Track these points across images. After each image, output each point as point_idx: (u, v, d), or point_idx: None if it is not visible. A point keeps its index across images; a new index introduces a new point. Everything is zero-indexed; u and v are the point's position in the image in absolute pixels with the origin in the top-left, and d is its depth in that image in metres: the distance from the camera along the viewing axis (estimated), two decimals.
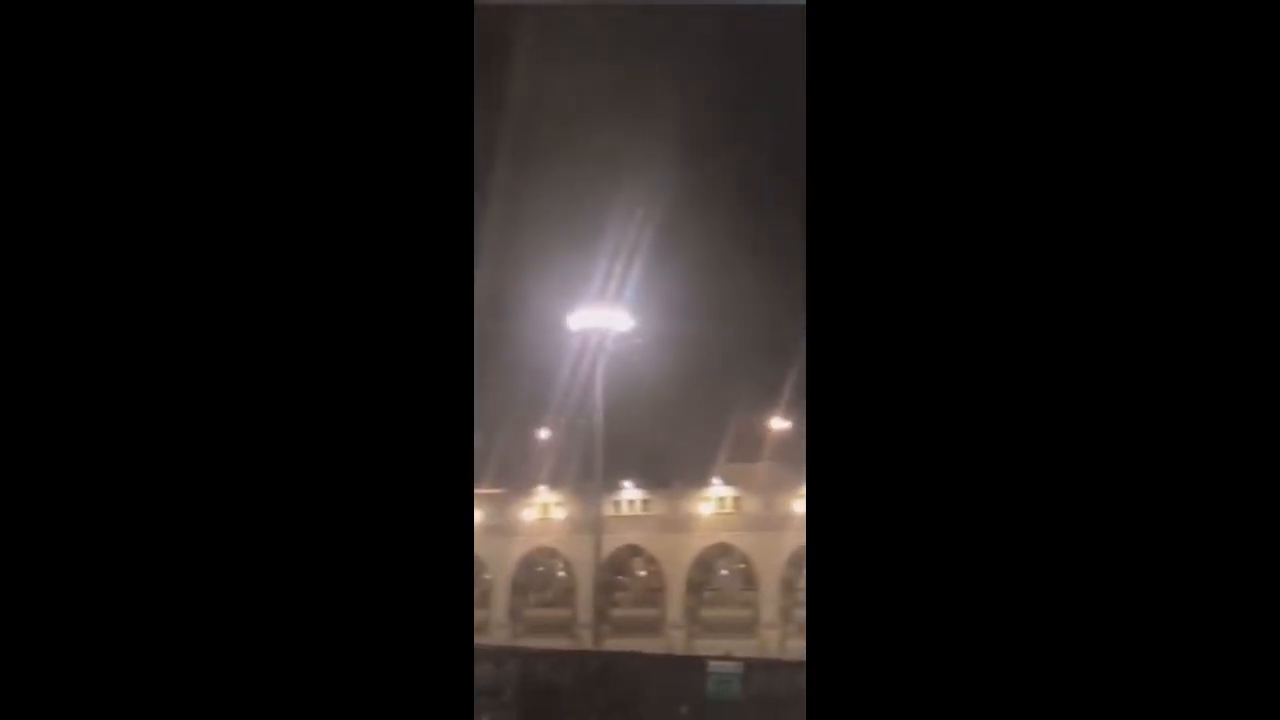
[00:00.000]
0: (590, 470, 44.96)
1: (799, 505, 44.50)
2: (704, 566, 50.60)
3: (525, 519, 48.63)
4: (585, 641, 45.01)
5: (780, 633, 46.40)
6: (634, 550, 46.71)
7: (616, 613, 46.24)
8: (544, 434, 49.74)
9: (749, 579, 49.54)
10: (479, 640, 44.09)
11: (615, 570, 47.33)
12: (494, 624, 47.40)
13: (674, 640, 47.56)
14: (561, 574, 48.89)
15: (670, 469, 52.23)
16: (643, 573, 50.01)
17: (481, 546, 48.68)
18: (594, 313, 42.35)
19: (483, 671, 42.36)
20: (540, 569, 49.49)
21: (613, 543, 46.60)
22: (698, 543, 50.27)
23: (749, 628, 47.86)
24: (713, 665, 27.48)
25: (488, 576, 49.17)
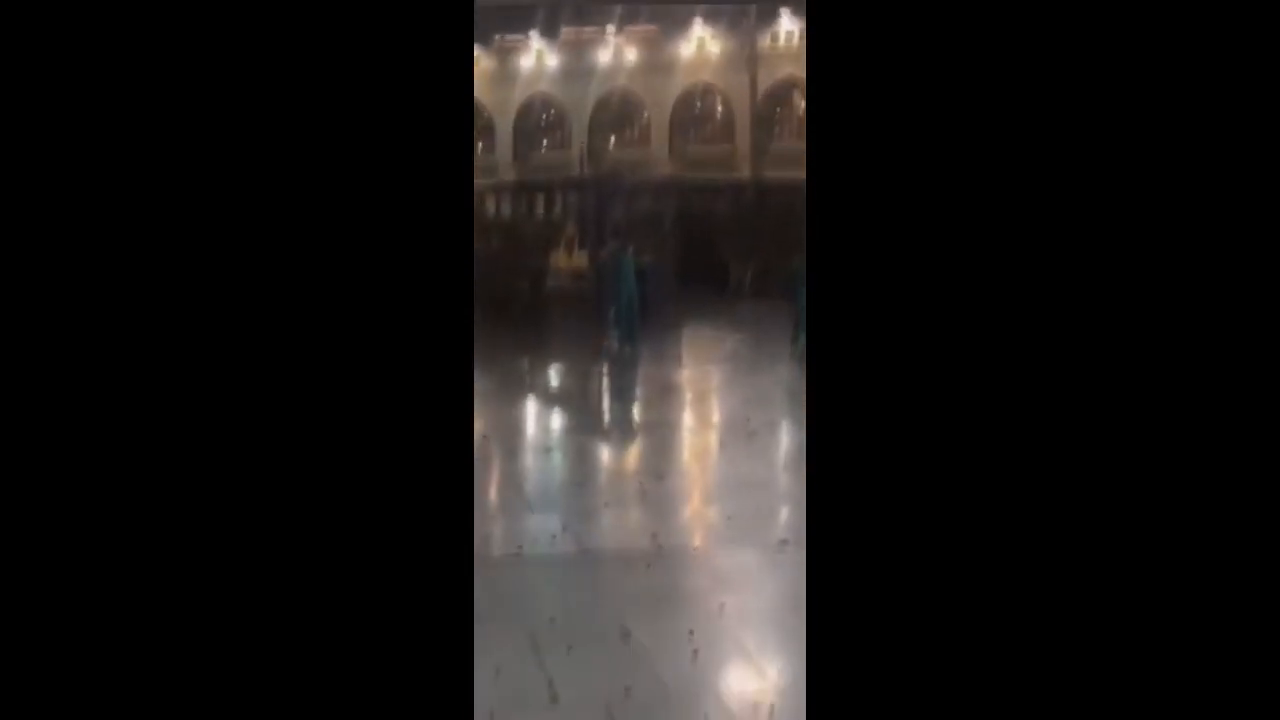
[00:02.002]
0: None
1: None
2: None
3: (681, 54, 48.10)
4: (744, 174, 45.69)
5: None
6: (792, 82, 45.94)
7: (775, 146, 46.32)
8: None
9: None
10: (640, 176, 45.18)
11: (773, 103, 46.96)
12: (654, 160, 48.21)
13: None
14: (719, 108, 48.81)
15: None
16: (801, 106, 49.54)
17: (638, 84, 48.67)
18: None
19: (642, 205, 44.02)
20: (698, 104, 49.46)
21: (770, 76, 46.02)
22: None
23: None
24: None
25: (646, 114, 49.52)
